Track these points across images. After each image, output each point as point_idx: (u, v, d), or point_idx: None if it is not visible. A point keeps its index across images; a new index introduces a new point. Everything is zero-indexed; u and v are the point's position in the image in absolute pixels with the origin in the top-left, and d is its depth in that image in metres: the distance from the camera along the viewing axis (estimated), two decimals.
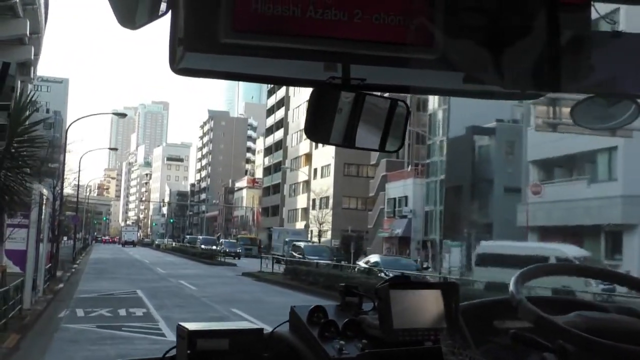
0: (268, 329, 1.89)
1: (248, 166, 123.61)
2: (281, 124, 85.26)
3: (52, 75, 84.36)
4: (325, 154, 64.55)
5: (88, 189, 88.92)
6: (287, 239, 52.84)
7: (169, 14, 1.22)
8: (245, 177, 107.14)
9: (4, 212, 11.77)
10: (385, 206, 53.88)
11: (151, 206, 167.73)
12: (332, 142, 1.50)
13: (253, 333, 1.76)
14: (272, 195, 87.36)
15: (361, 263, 30.14)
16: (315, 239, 55.95)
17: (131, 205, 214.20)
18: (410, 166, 52.56)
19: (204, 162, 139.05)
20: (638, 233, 27.34)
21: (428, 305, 1.76)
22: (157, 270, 36.68)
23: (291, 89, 76.08)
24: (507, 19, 1.33)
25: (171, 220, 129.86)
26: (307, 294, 22.92)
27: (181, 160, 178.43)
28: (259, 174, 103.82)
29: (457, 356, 1.52)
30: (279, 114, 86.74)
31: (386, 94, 1.54)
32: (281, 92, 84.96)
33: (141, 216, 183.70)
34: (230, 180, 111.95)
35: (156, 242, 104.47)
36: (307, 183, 71.18)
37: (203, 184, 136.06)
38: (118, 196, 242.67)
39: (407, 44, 1.28)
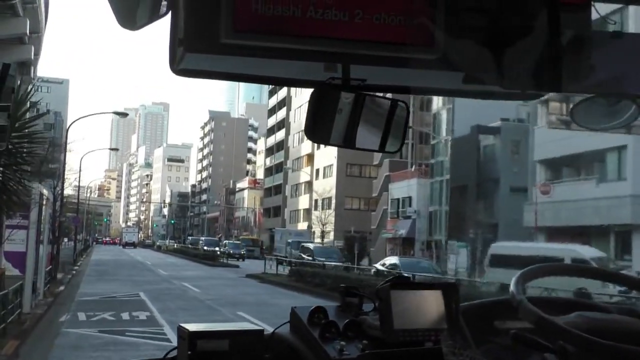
0: (269, 329, 1.88)
1: (249, 167, 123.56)
2: (283, 124, 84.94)
3: (53, 76, 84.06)
4: (328, 155, 64.18)
5: (89, 190, 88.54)
6: (290, 240, 52.55)
7: (169, 14, 1.21)
8: (247, 178, 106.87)
9: (2, 212, 11.28)
10: (388, 207, 53.50)
11: (152, 207, 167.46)
12: (332, 142, 1.47)
13: (253, 334, 1.76)
14: (273, 196, 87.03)
15: (378, 265, 29.46)
16: (318, 240, 55.46)
17: (132, 207, 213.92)
18: (414, 166, 52.21)
19: (204, 162, 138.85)
20: None
21: (429, 305, 1.75)
22: (159, 272, 36.28)
23: (293, 88, 75.72)
24: (507, 19, 1.32)
25: (172, 222, 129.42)
26: (313, 296, 22.43)
27: (182, 161, 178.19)
28: (260, 174, 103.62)
29: (458, 356, 1.54)
30: (281, 114, 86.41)
31: (386, 95, 1.53)
32: (283, 92, 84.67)
33: (142, 217, 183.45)
34: (231, 181, 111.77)
35: (157, 244, 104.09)
36: (309, 184, 70.83)
37: (204, 185, 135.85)
38: (119, 197, 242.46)
39: (407, 44, 1.28)
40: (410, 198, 49.99)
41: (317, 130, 1.47)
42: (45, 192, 18.03)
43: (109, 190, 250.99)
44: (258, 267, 38.48)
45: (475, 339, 1.70)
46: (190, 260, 52.69)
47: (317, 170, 69.68)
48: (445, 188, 45.29)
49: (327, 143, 1.49)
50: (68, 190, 41.81)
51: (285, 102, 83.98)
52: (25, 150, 9.12)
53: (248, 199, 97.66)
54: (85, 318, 15.58)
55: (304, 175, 71.63)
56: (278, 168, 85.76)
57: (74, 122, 36.73)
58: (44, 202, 17.60)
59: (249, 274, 33.98)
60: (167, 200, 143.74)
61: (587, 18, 1.39)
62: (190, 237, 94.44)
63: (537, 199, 32.73)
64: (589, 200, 29.69)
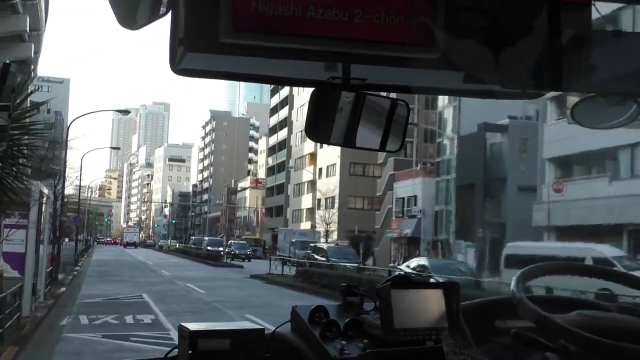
0: (270, 328, 1.86)
1: (250, 166, 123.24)
2: (285, 123, 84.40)
3: (53, 76, 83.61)
4: (331, 153, 63.60)
5: (89, 190, 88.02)
6: (293, 240, 51.96)
7: (169, 14, 1.22)
8: (248, 178, 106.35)
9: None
10: (393, 206, 52.89)
11: (153, 207, 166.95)
12: (332, 142, 1.46)
13: (254, 333, 1.74)
14: (275, 195, 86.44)
15: (403, 267, 28.59)
16: (322, 240, 54.85)
17: (133, 207, 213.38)
18: (419, 165, 51.61)
19: (206, 162, 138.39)
20: None
21: (429, 304, 1.74)
22: (161, 273, 35.71)
23: (295, 87, 75.28)
24: (507, 19, 1.32)
25: (173, 221, 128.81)
26: (322, 297, 21.76)
27: (183, 160, 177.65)
28: (261, 174, 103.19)
29: (459, 356, 1.53)
30: (283, 113, 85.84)
31: (386, 94, 1.53)
32: (285, 91, 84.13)
33: (143, 217, 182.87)
34: (232, 181, 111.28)
35: (159, 244, 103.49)
36: (311, 183, 70.23)
37: (205, 185, 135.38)
38: (119, 197, 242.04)
39: (408, 44, 1.27)
40: (415, 197, 49.41)
41: (317, 130, 1.45)
42: (45, 190, 17.38)
43: (109, 190, 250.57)
44: (262, 268, 37.82)
45: (475, 338, 1.70)
46: (193, 261, 52.10)
47: (320, 169, 69.09)
48: (452, 187, 44.71)
49: (327, 142, 1.47)
50: (69, 190, 41.26)
51: (287, 101, 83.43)
52: (22, 142, 8.47)
53: (250, 199, 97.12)
54: (88, 322, 14.96)
55: (307, 175, 71.00)
56: (280, 167, 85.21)
57: (75, 119, 36.15)
58: (44, 201, 16.96)
59: (254, 275, 33.33)
60: (169, 200, 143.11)
61: (587, 17, 1.38)
62: (193, 237, 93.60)
63: (549, 197, 32.06)
64: (601, 199, 29.05)
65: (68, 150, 33.31)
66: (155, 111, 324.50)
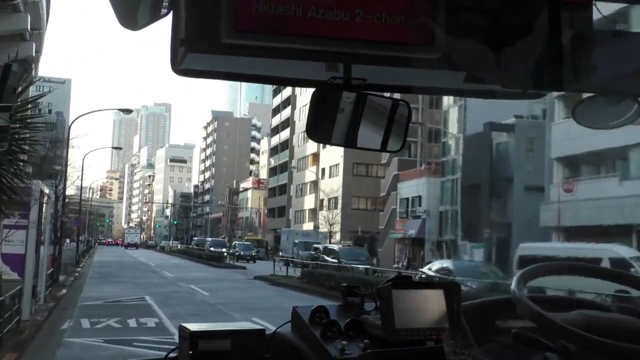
0: (270, 329, 1.85)
1: (252, 167, 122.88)
2: (287, 123, 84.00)
3: (54, 76, 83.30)
4: (334, 154, 63.14)
5: (91, 191, 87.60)
6: (296, 241, 51.48)
7: (170, 14, 1.22)
8: (250, 178, 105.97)
9: None
10: (397, 206, 52.44)
11: (154, 208, 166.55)
12: (333, 142, 1.46)
13: (255, 333, 1.75)
14: (278, 196, 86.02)
15: (425, 269, 27.95)
16: (326, 240, 54.37)
17: (134, 207, 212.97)
18: (423, 165, 51.14)
19: (207, 163, 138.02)
20: None
21: (430, 305, 1.74)
22: (164, 274, 35.25)
23: (297, 87, 74.81)
24: (508, 18, 1.32)
25: (175, 222, 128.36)
26: (328, 299, 21.29)
27: (184, 161, 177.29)
28: (263, 174, 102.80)
29: (459, 356, 1.53)
30: (285, 113, 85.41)
31: (387, 94, 1.52)
32: (287, 91, 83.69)
33: (144, 218, 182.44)
34: (234, 181, 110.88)
35: (160, 244, 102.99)
36: (314, 183, 69.77)
37: (207, 185, 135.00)
38: (121, 198, 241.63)
39: (409, 44, 1.27)
40: (420, 197, 48.96)
41: (318, 130, 1.45)
42: (46, 189, 16.92)
43: (111, 191, 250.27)
44: (265, 269, 37.33)
45: (476, 338, 1.70)
46: (195, 262, 51.61)
47: (323, 170, 68.63)
48: (457, 187, 44.25)
49: (328, 142, 1.47)
50: (70, 190, 40.81)
51: (289, 101, 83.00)
52: (21, 136, 8.00)
53: (252, 199, 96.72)
54: (89, 325, 14.47)
55: (309, 175, 70.53)
56: (282, 168, 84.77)
57: (77, 118, 35.66)
58: (45, 201, 16.50)
59: (258, 276, 32.84)
60: (170, 200, 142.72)
61: (588, 17, 1.37)
62: (195, 238, 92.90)
63: (559, 197, 31.57)
64: (610, 199, 28.57)
65: (69, 149, 32.78)
66: (156, 112, 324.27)
